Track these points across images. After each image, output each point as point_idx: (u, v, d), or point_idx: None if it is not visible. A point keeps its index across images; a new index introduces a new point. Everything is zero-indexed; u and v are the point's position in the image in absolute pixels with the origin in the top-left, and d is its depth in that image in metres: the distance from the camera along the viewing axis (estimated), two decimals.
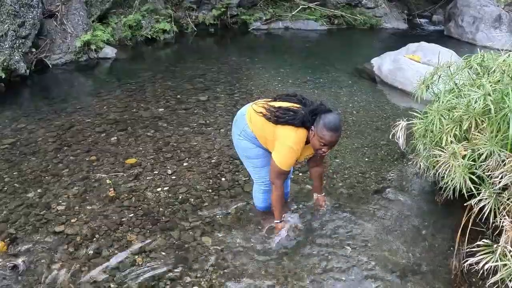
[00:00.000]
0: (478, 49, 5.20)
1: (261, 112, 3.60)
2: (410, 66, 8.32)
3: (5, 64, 7.27)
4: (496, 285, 3.28)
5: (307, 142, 3.54)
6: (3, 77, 7.19)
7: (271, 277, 3.63)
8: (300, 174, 5.08)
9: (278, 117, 3.51)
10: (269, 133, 3.59)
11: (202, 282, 3.55)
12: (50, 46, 8.74)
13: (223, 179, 5.00)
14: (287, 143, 3.47)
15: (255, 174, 3.97)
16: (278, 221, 3.93)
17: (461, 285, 3.67)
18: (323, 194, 4.36)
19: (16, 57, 7.58)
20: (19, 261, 3.66)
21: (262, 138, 3.69)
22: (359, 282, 3.65)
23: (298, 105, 3.58)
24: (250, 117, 3.72)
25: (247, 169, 4.11)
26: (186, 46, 11.31)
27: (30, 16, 8.06)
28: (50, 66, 8.55)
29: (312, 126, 3.41)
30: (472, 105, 3.97)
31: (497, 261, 3.22)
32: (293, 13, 13.33)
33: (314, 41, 12.55)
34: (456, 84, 4.60)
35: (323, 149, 3.44)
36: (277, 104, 3.63)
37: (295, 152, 3.48)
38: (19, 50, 7.73)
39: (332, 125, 3.34)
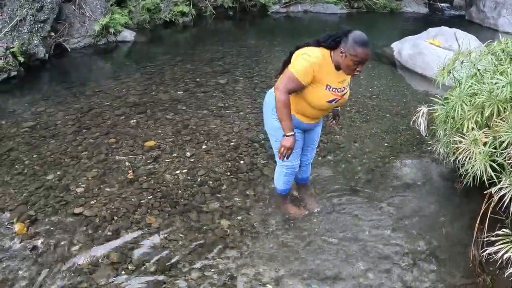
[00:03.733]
0: (500, 34, 5.11)
1: (280, 72, 3.57)
2: (431, 51, 8.23)
3: (24, 48, 7.35)
4: None
5: (338, 69, 3.41)
6: (22, 61, 7.26)
7: (288, 262, 3.64)
8: (319, 158, 5.08)
9: (296, 48, 3.46)
10: None
11: (220, 265, 3.57)
12: (68, 30, 8.77)
13: (241, 162, 5.00)
14: (301, 52, 3.37)
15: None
16: (289, 134, 3.41)
17: (479, 274, 3.64)
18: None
19: (35, 42, 7.65)
20: (39, 242, 3.72)
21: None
22: (374, 268, 3.64)
23: None
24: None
25: (273, 148, 3.98)
26: (204, 29, 11.26)
27: (49, 1, 8.10)
28: (69, 50, 8.58)
29: (341, 47, 3.27)
30: (494, 91, 3.91)
31: None
32: None
33: (334, 25, 12.39)
34: (478, 70, 4.52)
35: (358, 68, 3.30)
36: None
37: (310, 59, 3.30)
38: (38, 34, 7.79)
39: (363, 40, 3.23)
